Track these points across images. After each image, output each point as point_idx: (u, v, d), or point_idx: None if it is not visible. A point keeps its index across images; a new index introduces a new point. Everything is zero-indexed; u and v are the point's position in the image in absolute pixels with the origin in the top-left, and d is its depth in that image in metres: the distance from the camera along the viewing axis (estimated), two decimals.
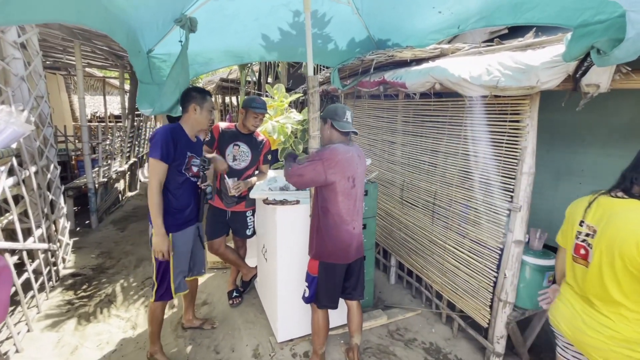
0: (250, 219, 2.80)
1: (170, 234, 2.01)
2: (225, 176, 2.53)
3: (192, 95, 2.08)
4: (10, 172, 2.48)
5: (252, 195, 2.51)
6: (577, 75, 1.47)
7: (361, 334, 2.22)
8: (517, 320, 2.18)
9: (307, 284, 2.08)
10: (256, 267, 3.01)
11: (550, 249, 2.25)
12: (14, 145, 2.34)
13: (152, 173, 1.92)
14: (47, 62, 6.57)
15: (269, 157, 2.82)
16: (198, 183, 2.21)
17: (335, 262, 1.98)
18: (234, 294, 2.91)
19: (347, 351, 2.30)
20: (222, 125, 2.64)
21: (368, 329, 2.59)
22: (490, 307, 2.19)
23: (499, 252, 2.10)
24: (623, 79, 1.47)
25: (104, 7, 1.40)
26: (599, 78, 1.46)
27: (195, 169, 2.14)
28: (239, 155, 2.62)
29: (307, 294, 2.08)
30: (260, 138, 2.72)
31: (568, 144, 3.21)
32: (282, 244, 2.27)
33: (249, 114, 2.54)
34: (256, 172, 2.78)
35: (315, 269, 2.02)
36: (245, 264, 2.92)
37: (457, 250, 2.41)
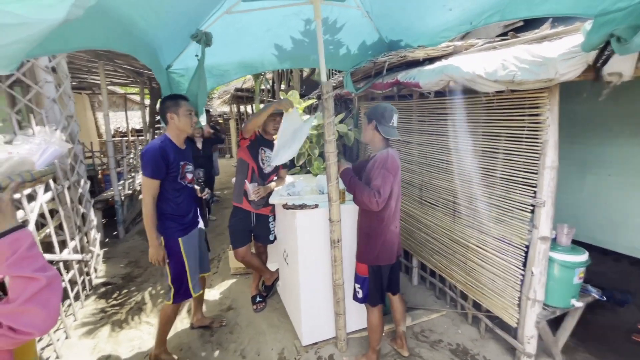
0: (272, 224, 2.85)
1: (179, 239, 2.12)
2: (246, 181, 2.62)
3: (165, 105, 2.10)
4: (46, 188, 2.65)
5: (271, 200, 2.56)
6: (598, 65, 1.43)
7: (405, 322, 2.39)
8: (547, 319, 2.11)
9: (358, 285, 2.17)
10: (277, 270, 3.06)
11: (579, 245, 2.18)
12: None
13: (145, 190, 2.00)
14: (74, 83, 6.94)
15: (287, 162, 2.87)
16: (198, 194, 2.33)
17: (383, 264, 2.07)
18: (258, 299, 2.96)
19: (393, 341, 2.43)
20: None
21: (392, 330, 2.57)
22: (519, 306, 2.13)
23: (525, 249, 2.05)
24: None
25: (128, 32, 1.49)
26: (622, 66, 1.41)
27: (189, 176, 2.21)
28: (266, 159, 2.73)
29: (360, 295, 2.17)
30: None
31: (593, 135, 3.09)
32: (303, 247, 2.30)
33: (268, 120, 2.64)
34: (275, 177, 2.84)
35: (365, 270, 2.11)
36: (267, 269, 2.97)
37: (481, 248, 2.37)
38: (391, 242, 2.05)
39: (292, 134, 2.44)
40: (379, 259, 2.05)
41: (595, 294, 2.20)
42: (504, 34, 2.87)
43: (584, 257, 2.05)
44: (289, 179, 3.02)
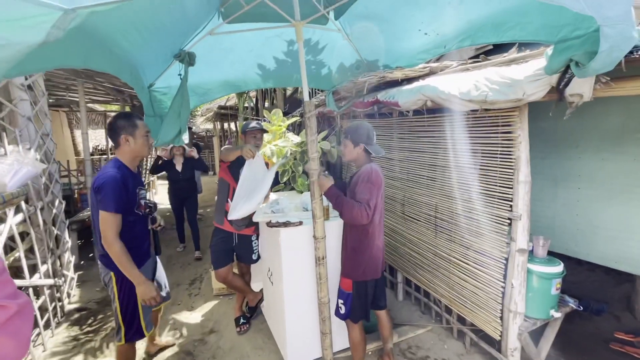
0: (255, 243, 2.81)
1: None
2: (228, 200, 2.57)
3: (119, 125, 1.86)
4: (17, 209, 2.52)
5: (255, 218, 2.53)
6: (560, 87, 1.54)
7: (393, 338, 2.41)
8: (529, 330, 2.15)
9: (342, 301, 2.15)
10: (262, 291, 2.99)
11: (555, 256, 2.26)
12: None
13: (108, 227, 1.72)
14: (51, 100, 6.76)
15: None
16: (150, 226, 2.13)
17: (368, 279, 2.07)
18: (241, 320, 2.88)
19: (381, 358, 2.39)
20: None
21: (379, 348, 2.54)
22: (501, 318, 2.16)
23: (504, 262, 2.10)
24: (604, 88, 1.54)
25: (109, 50, 1.49)
26: (582, 88, 1.53)
27: (142, 202, 1.98)
28: None
29: (343, 311, 2.15)
30: (264, 161, 2.79)
31: (562, 151, 3.27)
32: (287, 266, 2.27)
33: (248, 137, 2.68)
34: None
35: (350, 286, 2.10)
36: (251, 290, 2.90)
37: (463, 262, 2.41)
38: (377, 256, 2.07)
39: (253, 183, 2.36)
40: (365, 274, 2.06)
41: (572, 304, 2.27)
42: (476, 56, 3.04)
43: (559, 268, 2.13)
44: (272, 196, 3.01)
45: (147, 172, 4.14)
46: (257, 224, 2.74)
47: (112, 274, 1.88)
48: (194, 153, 4.46)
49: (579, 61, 1.32)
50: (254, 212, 2.53)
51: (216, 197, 2.79)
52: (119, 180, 1.77)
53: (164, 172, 4.57)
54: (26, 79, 2.90)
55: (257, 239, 2.83)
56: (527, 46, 2.24)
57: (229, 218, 2.42)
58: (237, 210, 2.33)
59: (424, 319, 2.93)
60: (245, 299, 2.99)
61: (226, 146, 2.51)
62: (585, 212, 3.15)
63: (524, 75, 1.64)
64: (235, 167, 2.65)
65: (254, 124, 2.73)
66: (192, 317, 3.13)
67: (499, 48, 3.00)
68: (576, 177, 3.19)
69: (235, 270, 2.94)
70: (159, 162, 4.44)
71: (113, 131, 1.90)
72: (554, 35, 1.49)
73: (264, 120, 3.82)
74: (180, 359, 2.54)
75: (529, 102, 1.76)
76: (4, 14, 0.61)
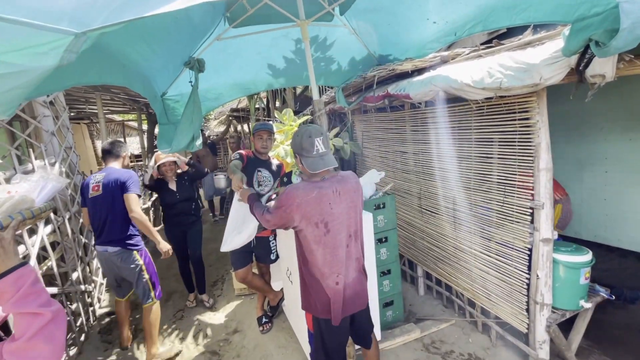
0: (273, 243, 2.83)
1: (146, 249, 2.65)
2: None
3: (123, 147, 2.68)
4: (47, 221, 2.65)
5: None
6: (580, 68, 1.47)
7: None
8: (558, 322, 2.08)
9: (309, 339, 1.84)
10: (282, 290, 3.03)
11: (583, 244, 2.17)
12: None
13: (136, 203, 2.45)
14: (72, 114, 7.05)
15: (285, 179, 2.89)
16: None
17: (321, 318, 1.65)
18: (264, 319, 2.92)
19: None
20: (246, 152, 2.70)
21: (402, 344, 2.53)
22: (527, 310, 2.10)
23: (528, 252, 2.04)
24: (627, 66, 1.45)
25: (121, 65, 1.54)
26: (603, 68, 1.45)
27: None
28: (263, 180, 2.68)
29: (312, 352, 1.78)
30: (276, 162, 2.82)
31: (587, 134, 3.13)
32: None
33: (256, 138, 2.66)
34: (274, 196, 2.83)
35: (311, 324, 1.75)
36: (271, 289, 2.94)
37: (484, 254, 2.35)
38: (330, 298, 1.59)
39: (243, 216, 2.31)
40: (317, 309, 1.63)
41: (604, 293, 2.18)
42: (489, 41, 2.94)
43: (588, 256, 2.04)
44: None
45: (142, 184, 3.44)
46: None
47: (134, 252, 2.52)
48: (184, 164, 3.37)
49: (599, 40, 1.25)
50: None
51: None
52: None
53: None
54: (47, 96, 3.03)
55: (275, 239, 2.86)
56: (543, 27, 2.14)
57: (222, 250, 2.41)
58: (229, 243, 2.35)
59: (447, 312, 2.89)
60: (267, 299, 3.03)
61: (234, 161, 2.46)
62: (614, 196, 3.01)
63: (541, 59, 1.57)
64: (249, 169, 2.62)
65: (261, 125, 2.69)
66: (216, 317, 3.20)
67: (513, 31, 2.89)
68: (602, 160, 3.06)
69: (255, 271, 2.99)
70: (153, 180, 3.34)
71: (121, 149, 2.68)
72: (570, 14, 1.42)
73: (276, 121, 3.84)
74: (206, 359, 2.62)
75: (548, 86, 1.68)
76: (19, 44, 0.64)
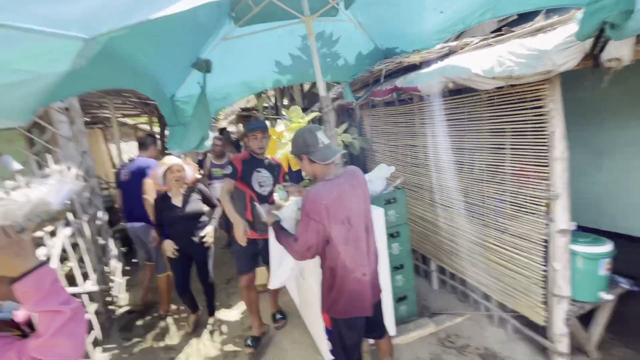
0: None
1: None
2: (256, 204, 2.39)
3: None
4: (66, 224, 2.75)
5: (282, 215, 2.49)
6: (595, 53, 1.42)
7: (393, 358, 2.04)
8: (577, 315, 2.04)
9: (327, 337, 1.83)
10: (266, 325, 2.87)
11: (603, 234, 2.10)
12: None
13: (152, 190, 2.90)
14: (87, 119, 7.23)
15: (287, 177, 2.79)
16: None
17: (351, 317, 1.67)
18: (278, 316, 2.95)
19: None
20: (240, 156, 2.57)
21: (417, 338, 2.52)
22: (545, 303, 2.06)
23: (544, 244, 1.99)
24: None
25: (130, 69, 1.57)
26: (620, 51, 1.40)
27: None
28: (263, 181, 2.57)
29: (331, 348, 1.78)
30: (275, 162, 2.71)
31: (605, 121, 3.02)
32: (318, 260, 2.29)
33: (251, 139, 2.51)
34: (275, 195, 2.62)
35: (329, 322, 1.75)
36: (259, 317, 2.72)
37: (499, 247, 2.31)
38: (358, 291, 1.63)
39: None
40: (346, 311, 1.65)
41: (625, 284, 2.11)
42: (499, 29, 2.87)
43: (608, 247, 1.99)
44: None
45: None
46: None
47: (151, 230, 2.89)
48: (195, 173, 2.95)
49: (614, 22, 1.21)
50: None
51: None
52: None
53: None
54: (62, 101, 3.12)
55: None
56: (555, 12, 2.07)
57: (270, 287, 2.28)
58: (278, 277, 2.17)
59: (462, 306, 2.86)
60: (278, 295, 3.00)
61: (227, 184, 2.42)
62: (635, 184, 2.90)
63: (553, 45, 1.52)
64: (247, 171, 2.50)
65: (252, 125, 2.54)
66: (231, 314, 3.26)
67: (524, 17, 2.80)
68: (622, 148, 2.95)
69: (265, 273, 2.91)
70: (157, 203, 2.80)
71: (148, 141, 3.34)
72: None
73: (284, 119, 3.85)
74: (224, 356, 2.67)
75: (561, 73, 1.63)
76: (32, 51, 0.66)
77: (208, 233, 2.79)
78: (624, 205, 3.02)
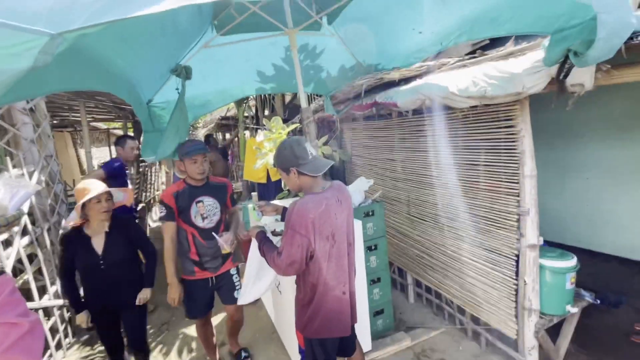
0: (235, 277, 2.37)
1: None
2: (216, 236, 2.14)
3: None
4: (24, 232, 2.54)
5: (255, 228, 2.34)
6: (561, 78, 1.52)
7: None
8: (546, 328, 2.10)
9: (301, 358, 1.79)
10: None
11: (567, 249, 2.20)
12: (25, 206, 2.42)
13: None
14: (55, 122, 6.86)
15: (235, 196, 2.53)
16: None
17: (326, 338, 1.61)
18: (243, 354, 2.60)
19: None
20: (171, 190, 2.14)
21: (393, 353, 2.50)
22: (516, 316, 2.11)
23: (516, 258, 2.06)
24: (605, 76, 1.51)
25: (105, 70, 1.50)
26: (582, 77, 1.50)
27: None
28: (207, 211, 2.19)
29: None
30: (218, 182, 2.33)
31: (569, 141, 3.22)
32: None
33: (188, 164, 2.10)
34: (223, 233, 2.24)
35: (302, 341, 1.71)
36: (215, 352, 2.53)
37: (473, 261, 2.37)
38: (337, 310, 1.57)
39: (259, 261, 1.94)
40: (322, 331, 1.58)
41: (589, 297, 2.21)
42: (473, 52, 3.02)
43: (572, 261, 2.08)
44: (276, 204, 2.99)
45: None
46: (236, 252, 2.36)
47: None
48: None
49: (577, 50, 1.30)
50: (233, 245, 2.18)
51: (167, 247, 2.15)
52: None
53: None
54: (28, 102, 2.94)
55: (238, 272, 2.40)
56: (524, 39, 2.21)
57: (239, 303, 2.11)
58: (248, 293, 2.02)
59: (437, 320, 2.88)
60: (239, 331, 2.65)
61: (167, 225, 2.11)
62: (595, 202, 3.09)
63: (523, 68, 1.61)
64: (185, 210, 2.13)
65: (189, 148, 2.09)
66: None
67: (496, 42, 2.97)
68: (584, 167, 3.14)
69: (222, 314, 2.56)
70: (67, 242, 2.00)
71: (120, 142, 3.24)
72: (550, 26, 1.47)
73: (264, 129, 3.82)
74: None
75: (530, 95, 1.73)
76: None
77: (143, 297, 2.18)
78: (585, 222, 3.20)
